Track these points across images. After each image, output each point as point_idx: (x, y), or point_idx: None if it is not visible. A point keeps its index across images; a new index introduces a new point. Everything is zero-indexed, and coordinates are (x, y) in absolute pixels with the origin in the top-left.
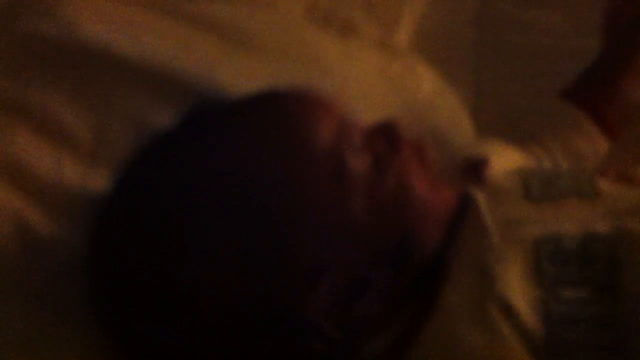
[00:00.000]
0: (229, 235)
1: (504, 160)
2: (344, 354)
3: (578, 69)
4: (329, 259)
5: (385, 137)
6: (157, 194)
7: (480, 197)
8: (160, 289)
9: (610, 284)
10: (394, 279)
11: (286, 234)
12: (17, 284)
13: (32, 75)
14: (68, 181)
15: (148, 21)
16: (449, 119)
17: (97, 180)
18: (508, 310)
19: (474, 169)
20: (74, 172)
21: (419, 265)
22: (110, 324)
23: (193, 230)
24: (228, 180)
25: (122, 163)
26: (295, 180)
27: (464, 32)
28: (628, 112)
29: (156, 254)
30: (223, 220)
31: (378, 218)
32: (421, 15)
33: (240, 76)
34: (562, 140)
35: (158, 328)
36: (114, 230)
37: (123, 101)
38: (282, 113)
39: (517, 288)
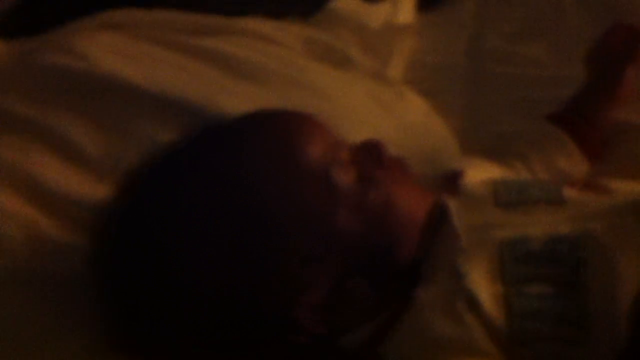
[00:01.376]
0: (224, 241)
1: (481, 172)
2: (324, 347)
3: (560, 95)
4: (318, 264)
5: (370, 154)
6: (158, 203)
7: (452, 205)
8: (160, 290)
9: (572, 281)
10: (376, 281)
11: (278, 240)
12: (27, 287)
13: (51, 102)
14: (79, 194)
15: (158, 55)
16: (436, 141)
17: (106, 194)
18: (473, 304)
19: (451, 180)
20: (85, 187)
21: (399, 268)
22: (115, 323)
23: (191, 237)
24: (224, 190)
25: (125, 175)
26: (287, 191)
27: (455, 63)
28: (607, 135)
29: (156, 256)
30: (219, 227)
31: (363, 227)
32: (415, 49)
33: (242, 104)
34: (545, 160)
35: (158, 325)
36: (117, 236)
37: (137, 126)
38: (276, 130)
39: (483, 284)
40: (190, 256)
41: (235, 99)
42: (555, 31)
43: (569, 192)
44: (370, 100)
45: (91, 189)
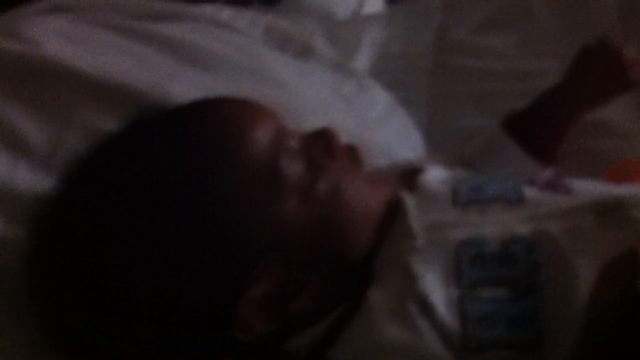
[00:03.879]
0: (164, 232)
1: (441, 169)
2: (268, 347)
3: (526, 89)
4: (263, 256)
5: (321, 142)
6: (94, 194)
7: (409, 201)
8: (94, 282)
9: (528, 285)
10: (326, 280)
11: (221, 230)
12: None
13: None
14: (21, 185)
15: (107, 40)
16: (400, 136)
17: (50, 186)
18: (427, 308)
19: (410, 175)
20: (28, 177)
21: (350, 266)
22: (51, 320)
23: (129, 228)
24: (163, 179)
25: (66, 168)
26: (229, 181)
27: (421, 54)
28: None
29: (91, 247)
30: (158, 216)
31: (311, 219)
32: (381, 42)
33: (193, 91)
34: (499, 161)
35: (93, 320)
36: (51, 228)
37: (81, 113)
38: (221, 116)
39: (437, 287)
40: (127, 247)
41: (186, 87)
42: (522, 24)
43: (529, 191)
44: (330, 92)
45: (33, 180)
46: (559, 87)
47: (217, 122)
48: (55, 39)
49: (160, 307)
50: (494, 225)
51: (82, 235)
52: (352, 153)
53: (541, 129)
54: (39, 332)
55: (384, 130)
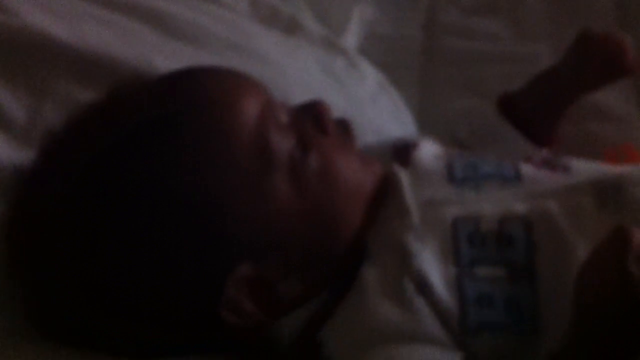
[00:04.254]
0: (148, 207)
1: (434, 146)
2: (257, 328)
3: (516, 72)
4: (250, 238)
5: (311, 116)
6: (66, 166)
7: (403, 177)
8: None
9: (526, 265)
10: (316, 259)
11: (206, 210)
12: None
13: None
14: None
15: (90, 11)
16: (391, 115)
17: (29, 158)
18: (424, 286)
19: (402, 151)
20: (6, 150)
21: (341, 245)
22: (30, 302)
23: (111, 202)
24: (140, 158)
25: (43, 137)
26: (214, 157)
27: (411, 36)
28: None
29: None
30: (143, 195)
31: (300, 196)
32: (369, 21)
33: (180, 65)
34: (494, 144)
35: (72, 302)
36: (28, 205)
37: (59, 85)
38: (206, 86)
39: (434, 266)
40: (117, 230)
41: (171, 60)
42: (513, 7)
43: (526, 169)
44: (319, 68)
45: (11, 152)
46: (557, 69)
47: (202, 93)
48: (34, 9)
49: (146, 292)
50: (490, 203)
51: (62, 216)
52: (343, 127)
53: (538, 111)
54: (22, 315)
55: (374, 109)
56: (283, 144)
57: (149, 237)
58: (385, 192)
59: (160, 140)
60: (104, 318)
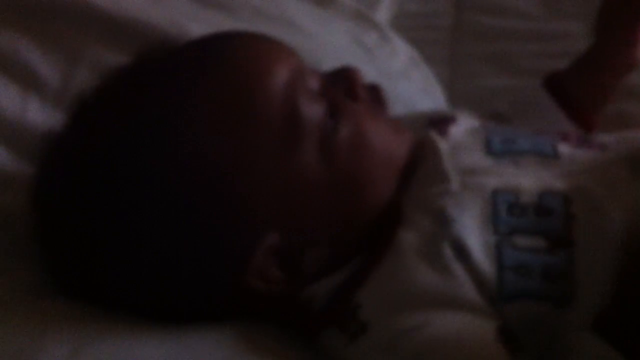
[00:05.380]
0: (174, 178)
1: (472, 120)
2: (287, 295)
3: (547, 50)
4: (278, 207)
5: (343, 83)
6: (97, 135)
7: (442, 143)
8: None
9: (564, 238)
10: (347, 227)
11: (233, 177)
12: None
13: (3, 21)
14: (32, 122)
15: None
16: (422, 90)
17: (61, 122)
18: (462, 251)
19: (440, 123)
20: (39, 114)
21: (373, 213)
22: (55, 262)
23: (138, 169)
24: (170, 121)
25: (74, 101)
26: (242, 122)
27: (443, 14)
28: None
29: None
30: (165, 162)
31: (331, 166)
32: None
33: (210, 30)
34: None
35: (99, 264)
36: (55, 169)
37: (93, 50)
38: (235, 51)
39: (473, 232)
40: (138, 190)
41: (204, 27)
42: None
43: (563, 148)
44: (351, 41)
45: (44, 116)
46: (596, 48)
47: (231, 57)
48: None
49: (173, 258)
50: (529, 178)
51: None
52: (375, 94)
53: (585, 92)
54: (45, 273)
55: (406, 83)
56: (313, 110)
57: (177, 203)
58: (418, 159)
59: (188, 105)
60: (132, 281)
